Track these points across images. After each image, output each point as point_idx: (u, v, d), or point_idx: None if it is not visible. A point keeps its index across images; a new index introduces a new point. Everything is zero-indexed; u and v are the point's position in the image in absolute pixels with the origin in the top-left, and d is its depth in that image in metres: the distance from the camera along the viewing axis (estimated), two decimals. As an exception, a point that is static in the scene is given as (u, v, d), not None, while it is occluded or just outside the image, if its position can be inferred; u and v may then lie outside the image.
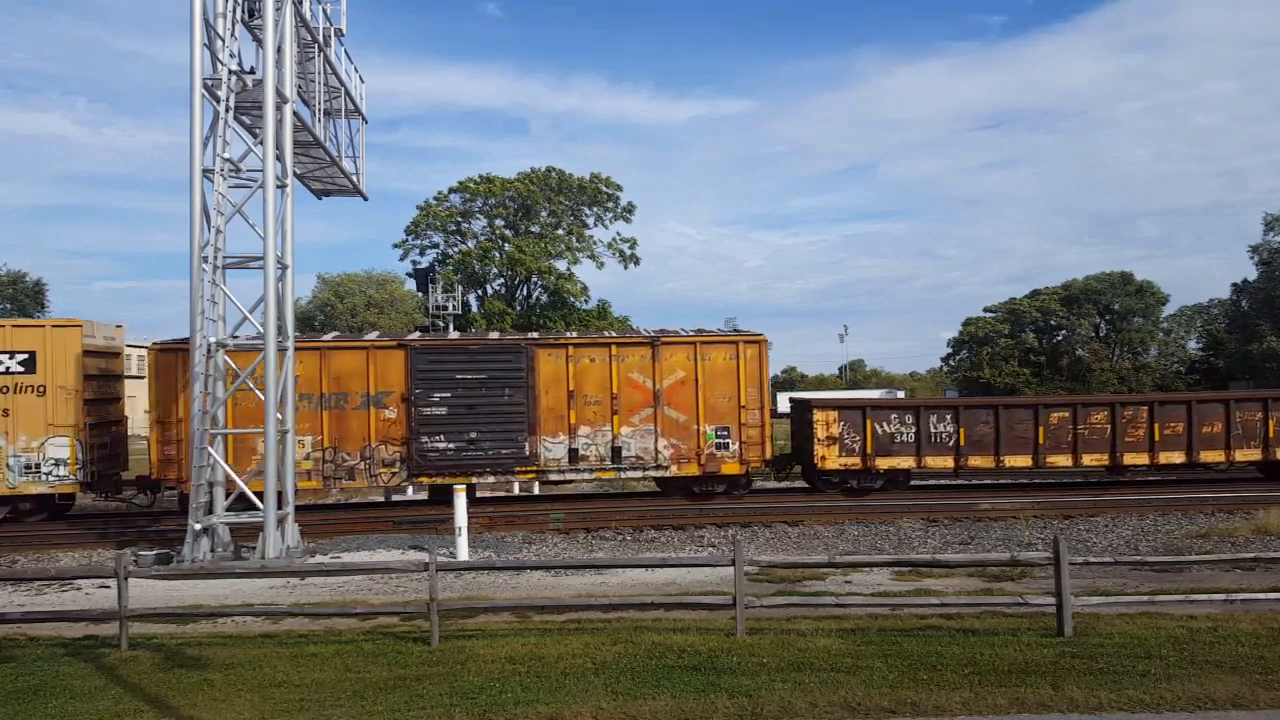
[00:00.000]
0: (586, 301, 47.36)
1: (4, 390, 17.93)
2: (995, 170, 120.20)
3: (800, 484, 22.00)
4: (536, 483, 19.44)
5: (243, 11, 14.43)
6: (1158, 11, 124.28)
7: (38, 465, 18.00)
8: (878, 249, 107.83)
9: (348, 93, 18.27)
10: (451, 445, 18.96)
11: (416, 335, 19.44)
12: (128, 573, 9.89)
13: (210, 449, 14.14)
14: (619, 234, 49.01)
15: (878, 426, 19.85)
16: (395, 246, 50.19)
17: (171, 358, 18.22)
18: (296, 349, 17.37)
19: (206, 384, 14.16)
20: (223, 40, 14.15)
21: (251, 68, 14.92)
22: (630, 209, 48.61)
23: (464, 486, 14.92)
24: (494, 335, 19.87)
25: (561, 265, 47.22)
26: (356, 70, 19.01)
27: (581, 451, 19.24)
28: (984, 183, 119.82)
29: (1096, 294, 53.56)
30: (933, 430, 19.90)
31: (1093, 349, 53.25)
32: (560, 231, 47.81)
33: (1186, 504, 17.98)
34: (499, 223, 48.30)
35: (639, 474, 19.76)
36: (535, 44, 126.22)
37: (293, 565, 13.46)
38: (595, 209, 48.53)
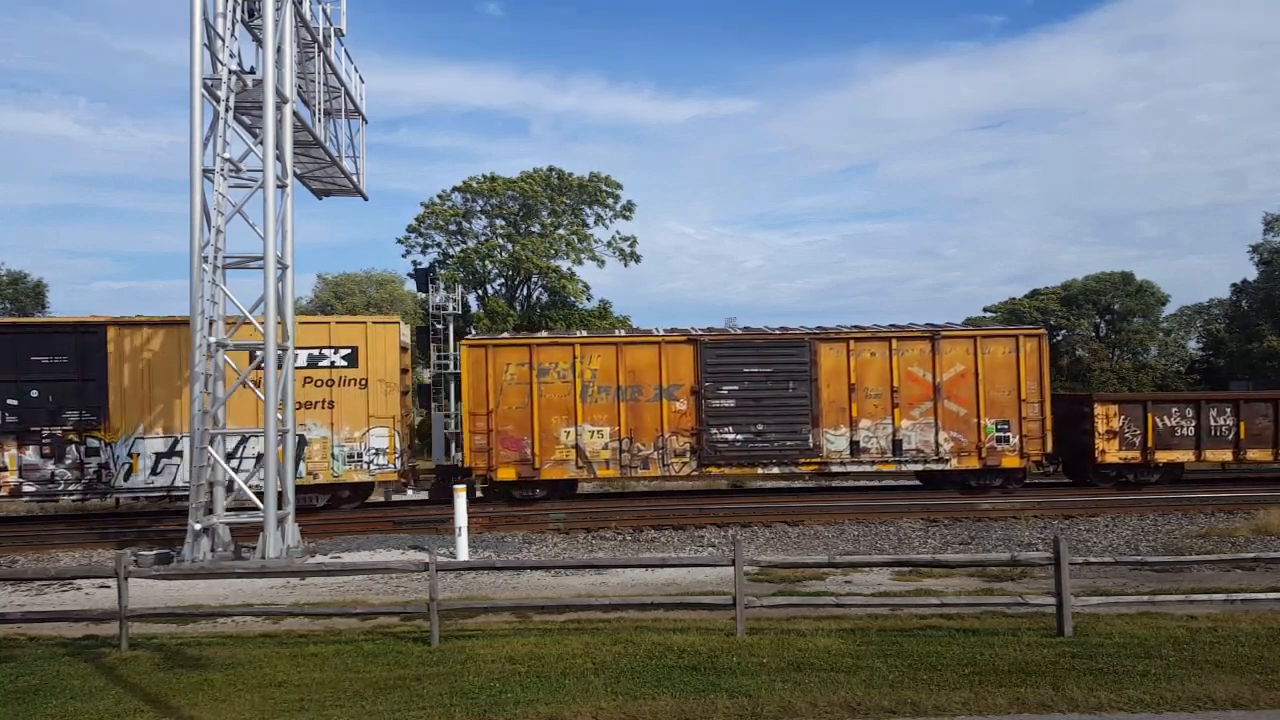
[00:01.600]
0: (588, 301, 47.38)
1: (329, 384, 18.89)
2: (995, 170, 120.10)
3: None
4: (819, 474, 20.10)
5: (243, 11, 14.43)
6: (1158, 11, 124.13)
7: (360, 455, 18.91)
8: (878, 249, 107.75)
9: (348, 93, 18.27)
10: (739, 437, 19.74)
11: (706, 331, 20.17)
12: (128, 573, 9.88)
13: (210, 449, 14.13)
14: (619, 233, 49.02)
15: (1158, 420, 20.19)
16: (399, 242, 50.23)
17: (480, 352, 19.46)
18: (596, 343, 19.61)
19: (207, 384, 14.15)
20: (223, 40, 14.15)
21: (251, 68, 14.92)
22: (630, 207, 48.62)
23: (464, 486, 14.91)
24: (777, 329, 20.41)
25: (563, 265, 47.24)
26: (356, 70, 19.02)
27: (862, 444, 19.81)
28: (984, 183, 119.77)
29: (1096, 294, 53.52)
30: (1212, 424, 20.18)
31: (1092, 349, 53.24)
32: (561, 231, 47.83)
33: (1186, 504, 17.99)
34: (500, 222, 48.30)
35: (919, 466, 20.21)
36: (535, 44, 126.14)
37: (293, 565, 13.46)
38: (595, 208, 48.55)
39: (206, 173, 14.02)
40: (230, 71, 14.16)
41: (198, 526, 13.89)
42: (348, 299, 55.44)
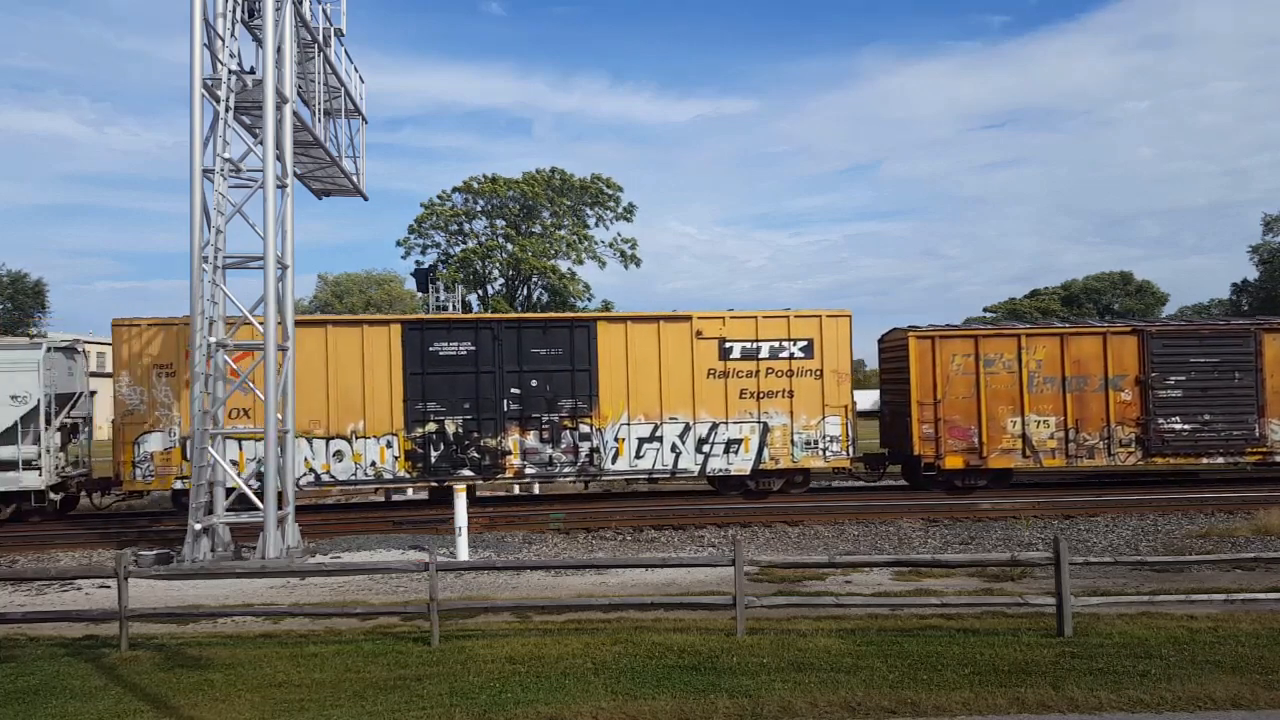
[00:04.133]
0: (589, 300, 47.38)
1: (789, 374, 19.83)
2: (999, 170, 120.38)
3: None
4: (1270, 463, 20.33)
5: (243, 11, 14.43)
6: (1164, 10, 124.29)
7: (815, 441, 19.83)
8: (881, 249, 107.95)
9: (348, 93, 18.26)
10: (1186, 427, 20.15)
11: (1149, 321, 21.05)
12: (128, 573, 9.89)
13: (210, 449, 14.12)
14: (619, 234, 49.03)
15: None
16: (399, 244, 50.27)
17: (926, 344, 20.13)
18: (1040, 334, 20.40)
19: (207, 384, 14.15)
20: (223, 40, 14.14)
21: (251, 68, 14.92)
22: (630, 209, 48.64)
23: (464, 486, 14.91)
24: (1222, 320, 21.32)
25: (564, 265, 47.25)
26: (356, 70, 19.02)
27: None
28: (987, 182, 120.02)
29: (1096, 294, 53.60)
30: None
31: (1093, 349, 53.39)
32: (561, 232, 47.82)
33: (1186, 504, 17.97)
34: (500, 222, 48.30)
35: None
36: (538, 44, 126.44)
37: (293, 565, 13.47)
38: (596, 209, 48.56)
39: (206, 173, 14.02)
40: (230, 71, 14.15)
41: (198, 526, 13.88)
42: (347, 299, 55.45)
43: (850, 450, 19.95)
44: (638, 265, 48.76)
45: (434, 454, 18.98)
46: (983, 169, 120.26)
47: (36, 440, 18.17)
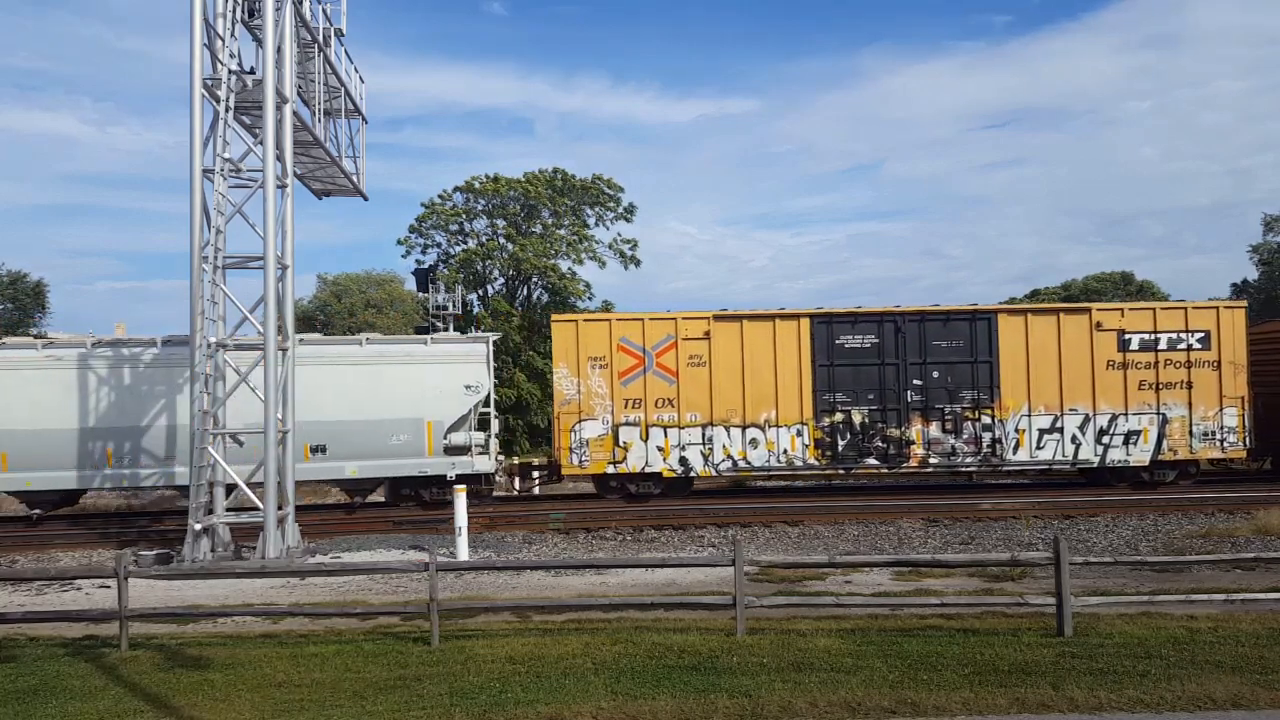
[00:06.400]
0: (590, 300, 47.36)
1: (1187, 365, 20.11)
2: (1001, 170, 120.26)
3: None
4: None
5: (243, 11, 14.42)
6: (1168, 9, 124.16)
7: (1213, 433, 20.06)
8: (882, 249, 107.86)
9: (348, 93, 18.26)
10: None
11: None
12: (128, 573, 9.89)
13: (210, 449, 14.12)
14: (619, 235, 49.01)
15: None
16: (399, 243, 50.24)
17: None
18: None
19: (207, 384, 14.15)
20: (223, 40, 14.14)
21: (251, 68, 14.91)
22: (631, 210, 48.61)
23: (464, 486, 14.92)
24: None
25: (564, 265, 47.23)
26: (356, 70, 19.01)
27: None
28: (989, 182, 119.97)
29: (1096, 294, 53.53)
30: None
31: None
32: (562, 232, 47.82)
33: (1186, 504, 17.96)
34: (500, 222, 48.28)
35: None
36: (540, 43, 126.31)
37: (293, 565, 13.47)
38: (597, 209, 48.54)
39: (206, 173, 14.01)
40: (230, 71, 14.15)
41: (198, 526, 13.88)
42: (347, 299, 55.46)
43: (1247, 440, 20.11)
44: (637, 265, 48.76)
45: (841, 443, 19.84)
46: (984, 169, 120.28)
47: (484, 427, 19.39)
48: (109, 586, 12.46)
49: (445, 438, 18.94)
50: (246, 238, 16.56)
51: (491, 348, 19.59)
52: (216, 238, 14.00)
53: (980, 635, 9.40)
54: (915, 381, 19.81)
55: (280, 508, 14.54)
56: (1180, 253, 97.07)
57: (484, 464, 19.19)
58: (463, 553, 14.39)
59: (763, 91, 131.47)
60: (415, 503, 19.59)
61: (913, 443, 19.76)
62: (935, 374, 19.85)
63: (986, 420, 19.82)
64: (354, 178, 19.09)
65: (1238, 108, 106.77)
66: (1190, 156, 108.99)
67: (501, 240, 47.85)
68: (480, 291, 48.84)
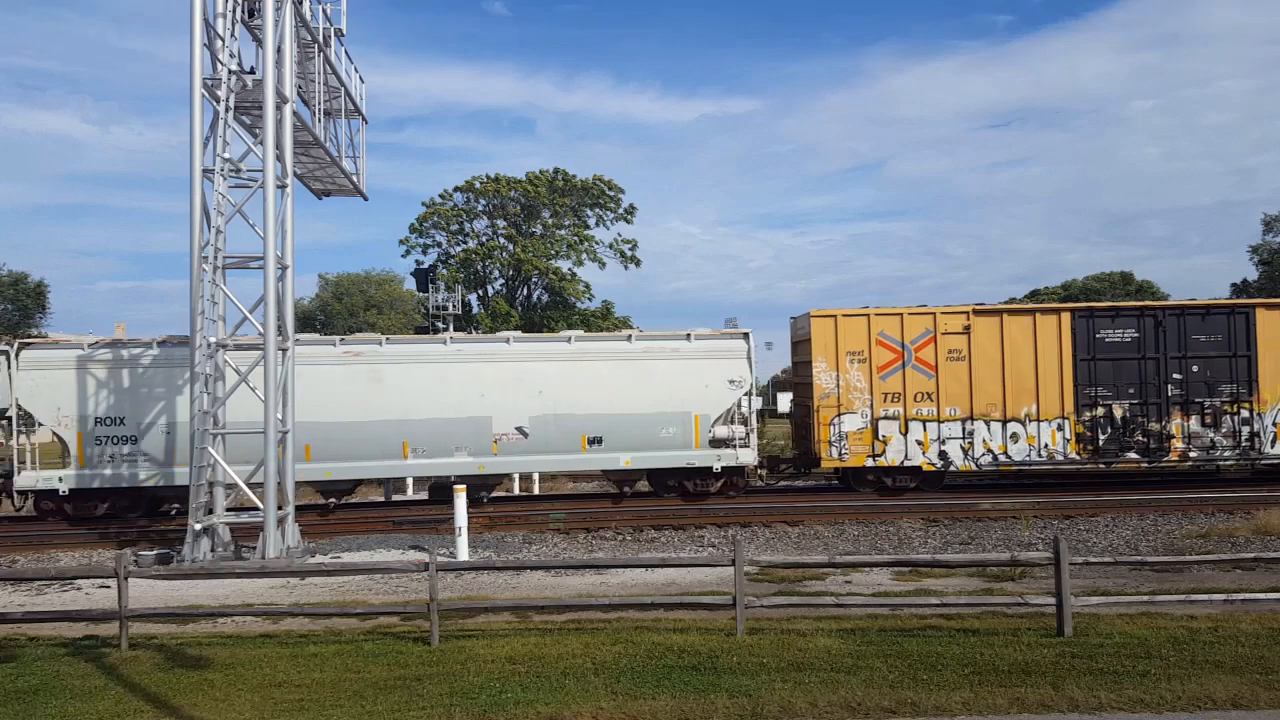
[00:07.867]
0: (590, 301, 47.39)
1: None
2: (1004, 169, 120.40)
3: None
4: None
5: (243, 11, 14.42)
6: (1172, 9, 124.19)
7: None
8: (885, 248, 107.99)
9: (348, 93, 18.26)
10: None
11: None
12: (128, 573, 9.89)
13: (210, 449, 14.12)
14: (619, 235, 49.05)
15: None
16: (400, 243, 50.28)
17: None
18: None
19: (206, 384, 14.15)
20: (223, 40, 14.14)
21: (251, 68, 14.91)
22: (631, 210, 48.66)
23: (464, 486, 14.91)
24: None
25: (564, 265, 47.25)
26: (357, 70, 19.01)
27: None
28: (992, 182, 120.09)
29: (1096, 294, 53.57)
30: None
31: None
32: (562, 232, 47.83)
33: (1186, 504, 17.96)
34: (501, 223, 48.30)
35: None
36: (542, 44, 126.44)
37: (293, 565, 13.47)
38: (597, 210, 48.59)
39: (206, 173, 14.02)
40: (230, 71, 14.15)
41: (198, 526, 13.88)
42: (346, 299, 55.47)
43: None
44: (637, 266, 48.79)
45: (1102, 437, 19.88)
46: (987, 168, 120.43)
47: (744, 420, 19.66)
48: (109, 586, 12.46)
49: (710, 430, 19.41)
50: (246, 238, 16.59)
51: (751, 343, 19.88)
52: (216, 238, 14.00)
53: (980, 635, 9.40)
54: (1174, 375, 19.93)
55: (280, 508, 14.55)
56: (1184, 252, 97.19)
57: (748, 456, 19.60)
58: (463, 553, 14.39)
59: (765, 91, 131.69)
60: (678, 493, 19.95)
61: (1173, 436, 19.89)
62: (1194, 368, 19.96)
63: (1245, 414, 19.91)
64: (354, 178, 19.09)
65: (1242, 107, 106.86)
66: (1194, 156, 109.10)
67: (502, 240, 47.83)
68: (480, 291, 48.83)
